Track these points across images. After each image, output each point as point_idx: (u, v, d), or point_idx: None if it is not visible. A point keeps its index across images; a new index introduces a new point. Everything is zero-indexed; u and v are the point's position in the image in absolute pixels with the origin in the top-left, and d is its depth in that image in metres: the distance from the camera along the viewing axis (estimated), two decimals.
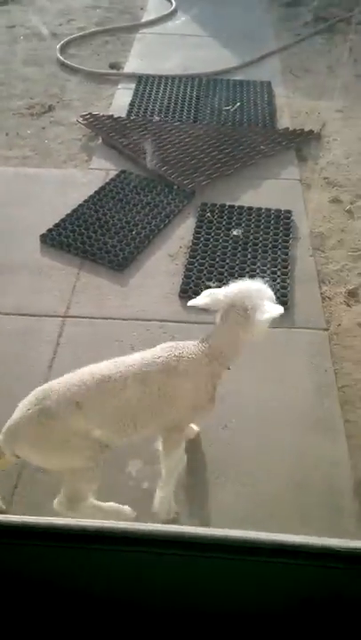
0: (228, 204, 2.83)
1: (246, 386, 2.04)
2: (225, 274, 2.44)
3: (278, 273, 2.45)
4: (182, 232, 2.69)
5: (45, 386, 1.52)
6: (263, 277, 2.40)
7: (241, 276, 2.44)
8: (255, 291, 1.55)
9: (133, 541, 0.79)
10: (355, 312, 2.37)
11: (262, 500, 1.73)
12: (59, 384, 1.50)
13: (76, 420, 1.46)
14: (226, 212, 2.76)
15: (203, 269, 2.46)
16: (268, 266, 2.49)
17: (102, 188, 2.88)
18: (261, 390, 2.04)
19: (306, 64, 4.29)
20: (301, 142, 3.32)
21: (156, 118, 3.47)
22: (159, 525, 0.81)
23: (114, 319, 2.28)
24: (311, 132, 3.39)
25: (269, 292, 1.58)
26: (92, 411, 1.48)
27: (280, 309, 1.53)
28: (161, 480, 1.64)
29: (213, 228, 2.67)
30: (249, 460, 1.84)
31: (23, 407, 1.47)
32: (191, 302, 1.63)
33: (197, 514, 1.72)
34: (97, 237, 2.59)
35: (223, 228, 2.67)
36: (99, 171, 3.07)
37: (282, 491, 1.76)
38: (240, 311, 1.52)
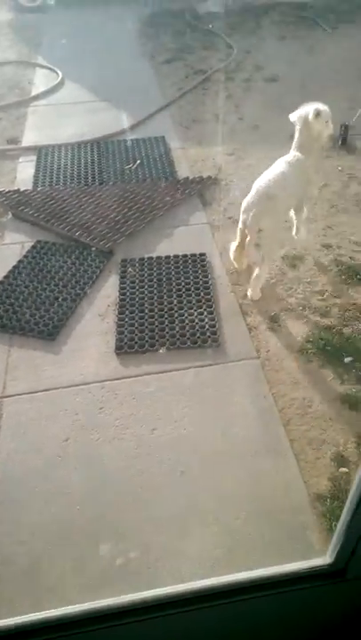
0: (146, 256, 2.97)
1: (196, 429, 2.13)
2: (155, 322, 2.55)
3: (205, 312, 2.60)
4: (107, 291, 2.79)
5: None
6: (192, 319, 2.55)
7: (171, 322, 2.56)
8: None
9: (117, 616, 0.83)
10: (279, 336, 2.55)
11: (232, 538, 1.80)
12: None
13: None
14: (146, 264, 2.90)
15: (134, 322, 2.56)
16: (195, 307, 2.64)
17: (20, 262, 2.93)
18: (210, 429, 2.14)
19: (193, 115, 4.64)
20: (203, 188, 3.57)
21: (62, 188, 3.60)
22: (119, 599, 0.86)
23: (54, 389, 2.30)
24: (210, 177, 3.66)
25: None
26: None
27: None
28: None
29: (137, 281, 2.79)
30: (210, 499, 1.91)
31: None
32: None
33: (170, 566, 1.75)
34: (23, 310, 2.63)
35: (146, 280, 2.80)
36: (14, 245, 3.12)
37: (247, 522, 1.83)
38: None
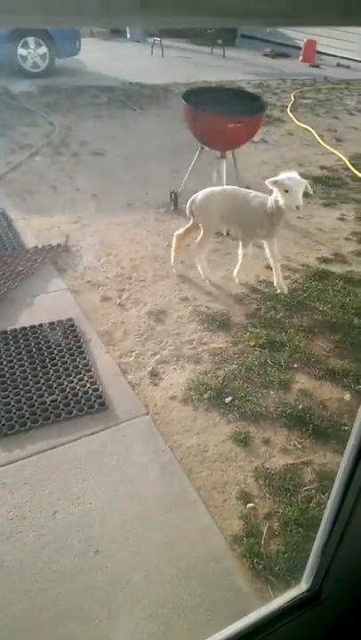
0: (9, 328, 2.80)
1: (100, 501, 2.01)
2: (34, 397, 2.39)
3: (85, 377, 2.52)
4: None
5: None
6: (73, 387, 2.45)
7: (51, 393, 2.42)
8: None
9: None
10: (162, 388, 2.60)
11: (164, 606, 1.70)
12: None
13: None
14: (10, 336, 2.73)
15: (9, 400, 2.35)
16: (73, 374, 2.54)
17: None
18: (116, 497, 2.04)
19: (28, 187, 4.64)
20: (54, 256, 3.55)
21: None
22: None
23: None
24: (59, 245, 3.66)
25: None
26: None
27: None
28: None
29: (3, 356, 2.60)
30: (132, 572, 1.80)
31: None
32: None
33: None
34: None
35: (14, 354, 2.62)
36: None
37: (176, 585, 1.76)
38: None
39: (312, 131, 6.65)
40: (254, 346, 2.88)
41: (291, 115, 7.34)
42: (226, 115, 3.80)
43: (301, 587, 0.95)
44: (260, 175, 5.18)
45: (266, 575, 1.81)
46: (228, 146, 4.02)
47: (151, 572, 1.80)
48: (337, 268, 3.69)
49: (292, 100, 8.11)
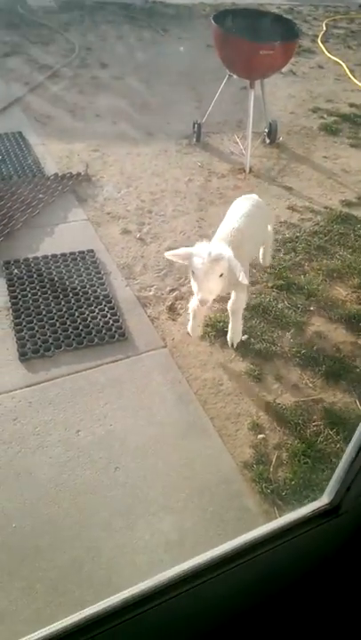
0: (30, 256, 2.83)
1: (120, 423, 2.13)
2: (57, 324, 2.46)
3: (106, 308, 2.58)
4: None
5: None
6: (94, 316, 2.52)
7: (73, 322, 2.49)
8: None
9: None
10: (179, 324, 2.66)
11: (179, 519, 1.85)
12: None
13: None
14: (32, 264, 2.76)
15: (33, 326, 2.43)
16: (94, 304, 2.60)
17: None
18: (135, 421, 2.15)
19: (47, 110, 4.49)
20: (74, 185, 3.50)
21: None
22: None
23: None
24: (79, 174, 3.60)
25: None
26: None
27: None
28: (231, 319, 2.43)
29: (26, 283, 2.64)
30: (149, 489, 1.93)
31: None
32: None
33: (125, 561, 1.74)
34: None
35: (37, 281, 2.66)
36: None
37: (189, 502, 1.90)
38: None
39: (343, 65, 6.28)
40: (272, 287, 2.91)
41: (321, 45, 6.91)
42: (259, 40, 3.59)
43: (323, 500, 1.04)
44: (286, 110, 4.97)
45: (273, 499, 1.95)
46: (258, 74, 3.84)
47: (167, 489, 1.93)
48: (360, 212, 3.63)
49: (324, 28, 7.59)
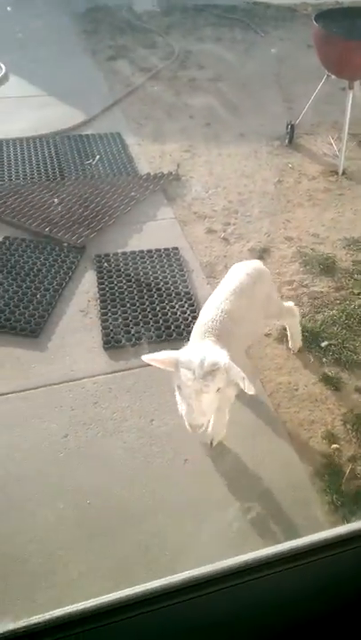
0: (119, 251, 2.96)
1: None
2: (139, 317, 2.56)
3: (186, 305, 2.64)
4: (86, 286, 2.75)
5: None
6: (174, 312, 2.59)
7: (154, 315, 2.58)
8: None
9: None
10: None
11: (242, 516, 1.86)
12: None
13: None
14: (120, 259, 2.89)
15: (117, 317, 2.55)
16: (175, 300, 2.67)
17: None
18: None
19: (145, 112, 4.65)
20: (165, 184, 3.61)
21: (23, 183, 3.48)
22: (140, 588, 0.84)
23: (46, 386, 2.25)
24: (170, 173, 3.70)
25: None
26: None
27: None
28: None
29: (114, 276, 2.78)
30: (217, 485, 1.96)
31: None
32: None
33: (189, 550, 1.78)
34: (1, 309, 2.53)
35: (123, 275, 2.79)
36: None
37: (257, 502, 1.91)
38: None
39: None
40: (358, 294, 2.81)
41: None
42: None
43: None
44: None
45: (344, 512, 1.90)
46: (358, 74, 3.71)
47: (235, 485, 1.95)
48: None
49: None
